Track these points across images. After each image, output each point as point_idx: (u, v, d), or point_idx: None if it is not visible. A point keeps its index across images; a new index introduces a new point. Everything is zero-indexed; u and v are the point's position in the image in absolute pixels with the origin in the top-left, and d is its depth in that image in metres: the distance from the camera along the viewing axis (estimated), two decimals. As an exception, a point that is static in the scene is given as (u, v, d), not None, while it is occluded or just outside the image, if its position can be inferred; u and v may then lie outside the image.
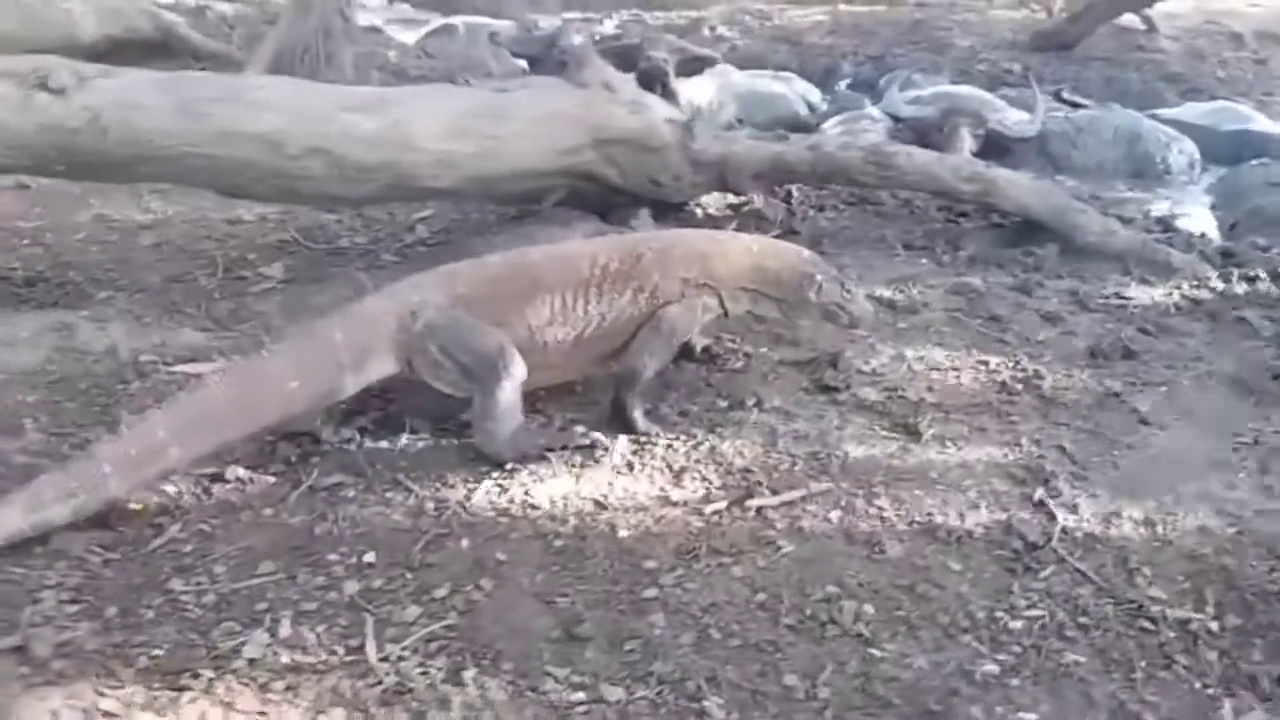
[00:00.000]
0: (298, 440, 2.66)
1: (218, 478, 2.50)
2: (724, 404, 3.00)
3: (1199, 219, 6.95)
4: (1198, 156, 8.18)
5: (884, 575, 2.25)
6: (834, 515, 2.48)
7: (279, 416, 2.51)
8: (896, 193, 4.86)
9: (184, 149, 3.08)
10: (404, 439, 2.73)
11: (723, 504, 2.49)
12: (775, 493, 2.54)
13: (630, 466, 2.64)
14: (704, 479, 2.61)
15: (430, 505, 2.44)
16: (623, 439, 2.75)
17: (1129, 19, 12.99)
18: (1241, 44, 13.62)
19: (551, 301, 2.77)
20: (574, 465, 2.63)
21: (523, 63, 10.94)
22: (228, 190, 3.44)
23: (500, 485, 2.53)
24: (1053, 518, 2.50)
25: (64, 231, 4.23)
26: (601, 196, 4.27)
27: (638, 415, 2.82)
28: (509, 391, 2.60)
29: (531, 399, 2.75)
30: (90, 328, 3.29)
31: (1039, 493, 2.59)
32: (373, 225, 4.30)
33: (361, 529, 2.36)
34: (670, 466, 2.65)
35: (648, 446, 2.73)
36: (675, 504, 2.49)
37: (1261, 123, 8.73)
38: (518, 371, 2.63)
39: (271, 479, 2.54)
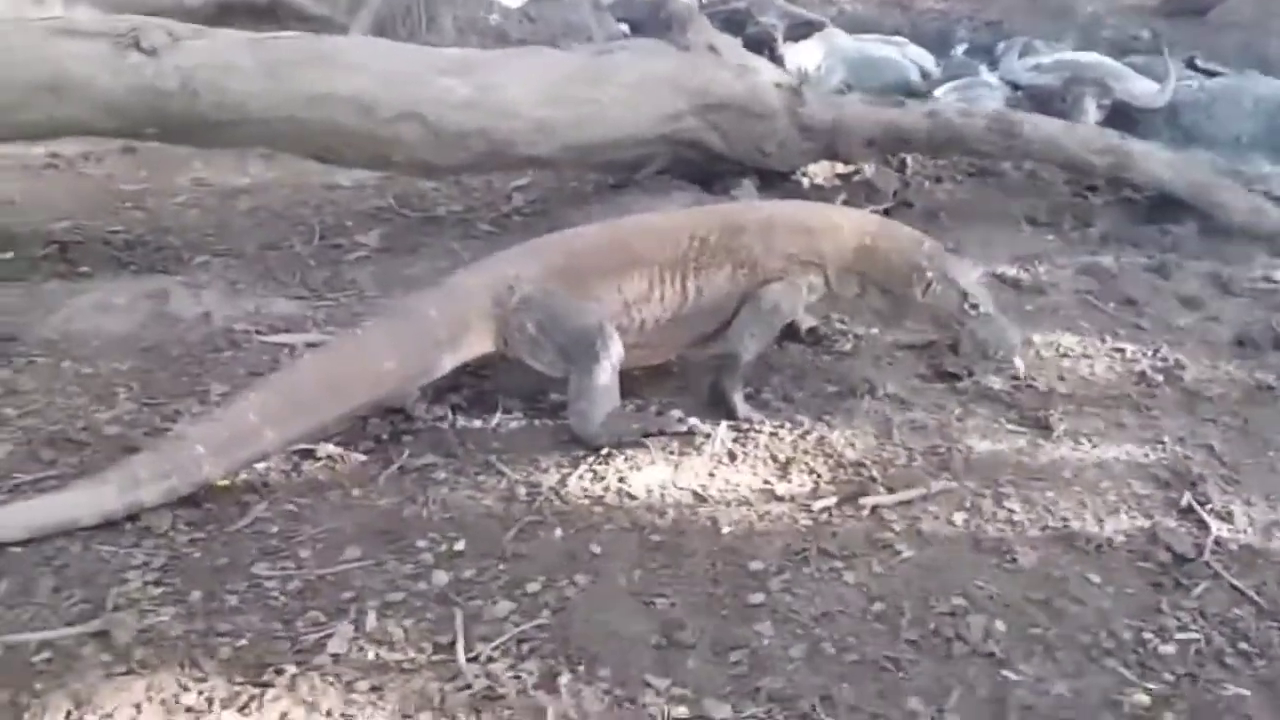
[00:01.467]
0: (389, 417, 2.56)
1: (308, 454, 2.42)
2: (833, 390, 2.81)
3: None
4: (1347, 129, 7.57)
5: (1016, 587, 2.04)
6: (958, 517, 2.27)
7: (373, 397, 2.42)
8: (1020, 164, 4.56)
9: (273, 112, 3.00)
10: (497, 418, 2.61)
11: (833, 500, 2.30)
12: (891, 490, 2.34)
13: (731, 456, 2.47)
14: (812, 471, 2.42)
15: (522, 490, 2.31)
16: (723, 426, 2.58)
17: (1267, -19, 12.14)
18: (1394, 5, 12.66)
19: (647, 276, 2.63)
20: (672, 452, 2.48)
21: (625, 27, 10.78)
22: (318, 155, 3.35)
23: (594, 471, 2.39)
24: (1204, 527, 2.25)
25: (164, 195, 4.23)
26: (703, 165, 4.08)
27: (738, 400, 2.65)
28: (607, 372, 2.47)
29: (627, 380, 2.60)
30: (185, 294, 3.24)
31: (1186, 498, 2.34)
32: (470, 193, 4.20)
33: (451, 513, 2.24)
34: (775, 457, 2.47)
35: (750, 434, 2.56)
36: (781, 499, 2.31)
37: None
38: (616, 351, 2.49)
39: (362, 457, 2.44)
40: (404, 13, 6.22)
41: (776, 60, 7.75)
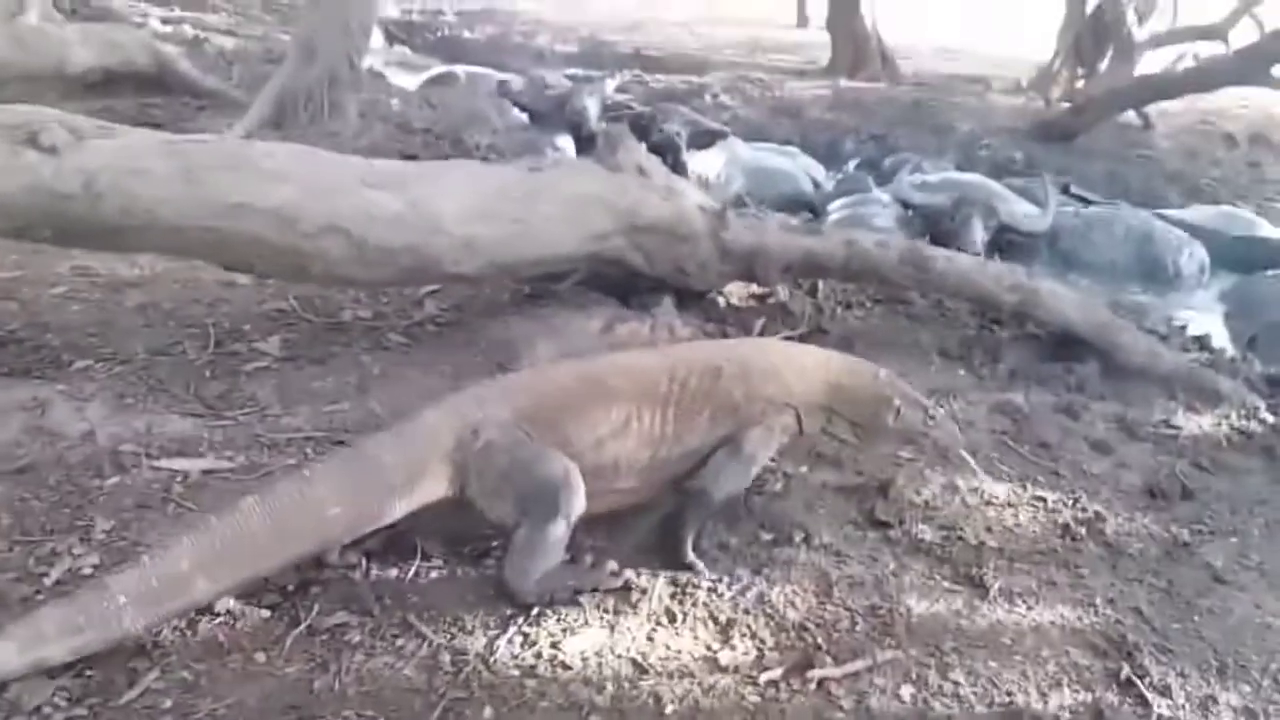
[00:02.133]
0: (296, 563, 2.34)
1: (206, 609, 2.18)
2: (768, 537, 2.72)
3: (1213, 330, 6.84)
4: (1207, 261, 8.10)
5: (972, 779, 1.96)
6: (905, 692, 2.19)
7: (317, 545, 2.27)
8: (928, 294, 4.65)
9: (186, 221, 2.78)
10: (415, 566, 2.42)
11: (779, 672, 2.19)
12: (838, 660, 2.25)
13: (670, 616, 2.35)
14: (755, 636, 2.31)
15: (447, 658, 2.13)
16: (661, 580, 2.45)
17: (1127, 115, 13.09)
18: (1234, 145, 13.75)
19: (625, 419, 2.53)
20: (606, 611, 2.34)
21: (524, 117, 10.79)
22: (233, 266, 3.14)
23: (525, 634, 2.23)
24: (1145, 704, 2.23)
25: (42, 285, 3.90)
26: (624, 279, 4.02)
27: (688, 544, 2.55)
28: (560, 529, 2.33)
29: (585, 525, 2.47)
30: (66, 405, 2.96)
31: (1125, 670, 2.32)
32: (378, 298, 4.01)
33: (368, 686, 2.04)
34: (715, 618, 2.36)
35: (689, 590, 2.44)
36: (725, 669, 2.19)
37: (1267, 229, 8.67)
38: (577, 507, 2.36)
39: (265, 613, 2.22)
40: (306, 97, 6.03)
41: (679, 168, 7.86)
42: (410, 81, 13.31)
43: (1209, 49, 13.95)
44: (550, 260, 3.49)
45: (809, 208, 8.58)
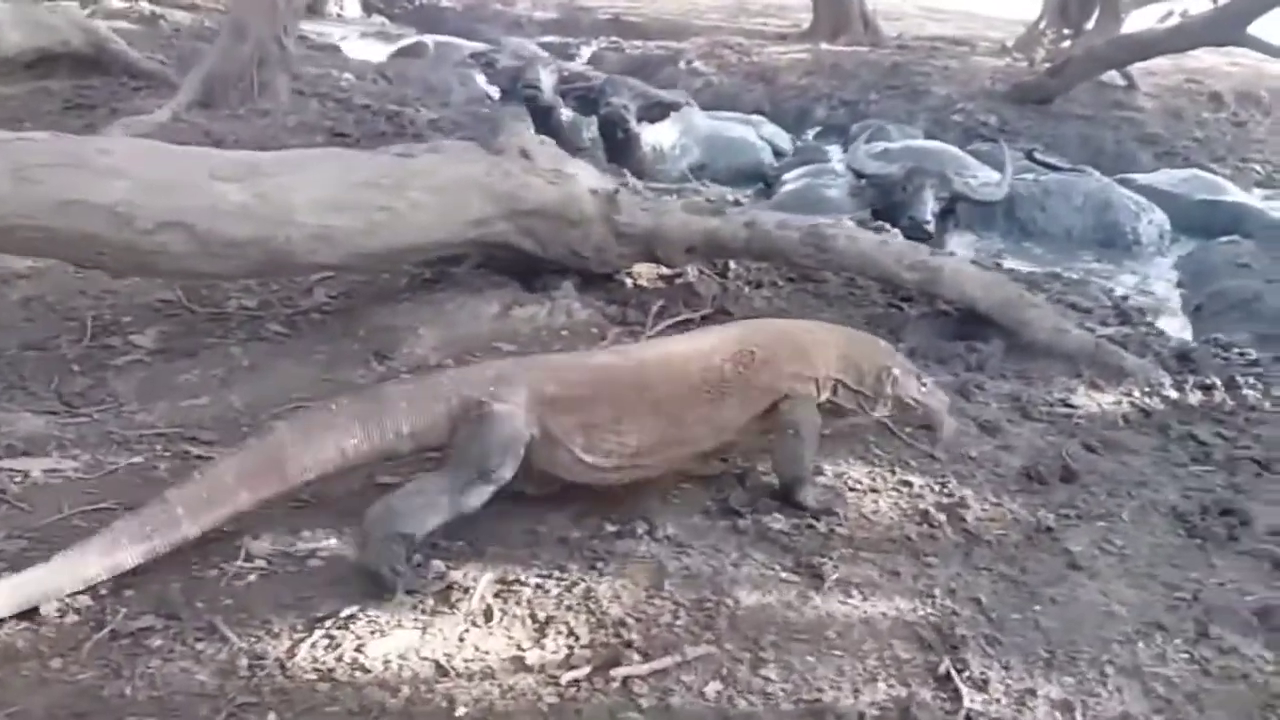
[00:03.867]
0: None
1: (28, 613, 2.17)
2: (611, 529, 2.70)
3: (1164, 298, 6.77)
4: (1168, 227, 8.00)
5: (751, 780, 1.95)
6: (711, 689, 2.17)
7: (339, 468, 2.54)
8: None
9: (19, 219, 2.75)
10: (235, 567, 2.41)
11: (585, 671, 2.18)
12: (647, 657, 2.23)
13: (488, 615, 2.33)
14: (570, 633, 2.29)
15: (244, 662, 2.12)
16: (487, 578, 2.43)
17: (1109, 75, 12.88)
18: (1221, 104, 13.54)
19: (657, 407, 2.72)
20: (424, 611, 2.32)
21: (495, 90, 10.71)
22: (75, 262, 3.12)
23: (331, 636, 2.21)
24: (958, 697, 2.21)
25: (-71, 278, 3.90)
26: (524, 262, 3.99)
27: (813, 501, 2.85)
28: (445, 506, 2.48)
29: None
30: (-79, 405, 2.96)
31: (945, 664, 2.30)
32: (268, 285, 3.98)
33: (159, 691, 2.03)
34: (535, 616, 2.34)
35: (514, 588, 2.42)
36: (530, 669, 2.17)
37: (1234, 193, 8.55)
38: (467, 507, 2.52)
39: (75, 617, 2.21)
40: (236, 78, 5.98)
41: (630, 140, 7.79)
42: (383, 52, 13.25)
43: (1198, 6, 13.64)
44: (425, 248, 3.46)
45: (765, 180, 8.51)
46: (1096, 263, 7.39)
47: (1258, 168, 11.04)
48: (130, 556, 2.27)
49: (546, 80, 8.36)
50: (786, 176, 8.15)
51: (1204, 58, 15.36)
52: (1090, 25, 14.81)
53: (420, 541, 2.46)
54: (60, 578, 2.21)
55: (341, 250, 3.21)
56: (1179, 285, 6.84)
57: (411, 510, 2.44)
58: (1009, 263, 6.64)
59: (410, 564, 2.43)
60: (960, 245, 7.32)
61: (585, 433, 2.65)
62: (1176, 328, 5.86)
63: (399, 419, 2.55)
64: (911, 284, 4.06)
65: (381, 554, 2.37)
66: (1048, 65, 12.69)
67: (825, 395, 2.94)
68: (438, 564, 2.46)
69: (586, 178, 3.85)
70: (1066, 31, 15.13)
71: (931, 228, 7.04)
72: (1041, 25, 15.56)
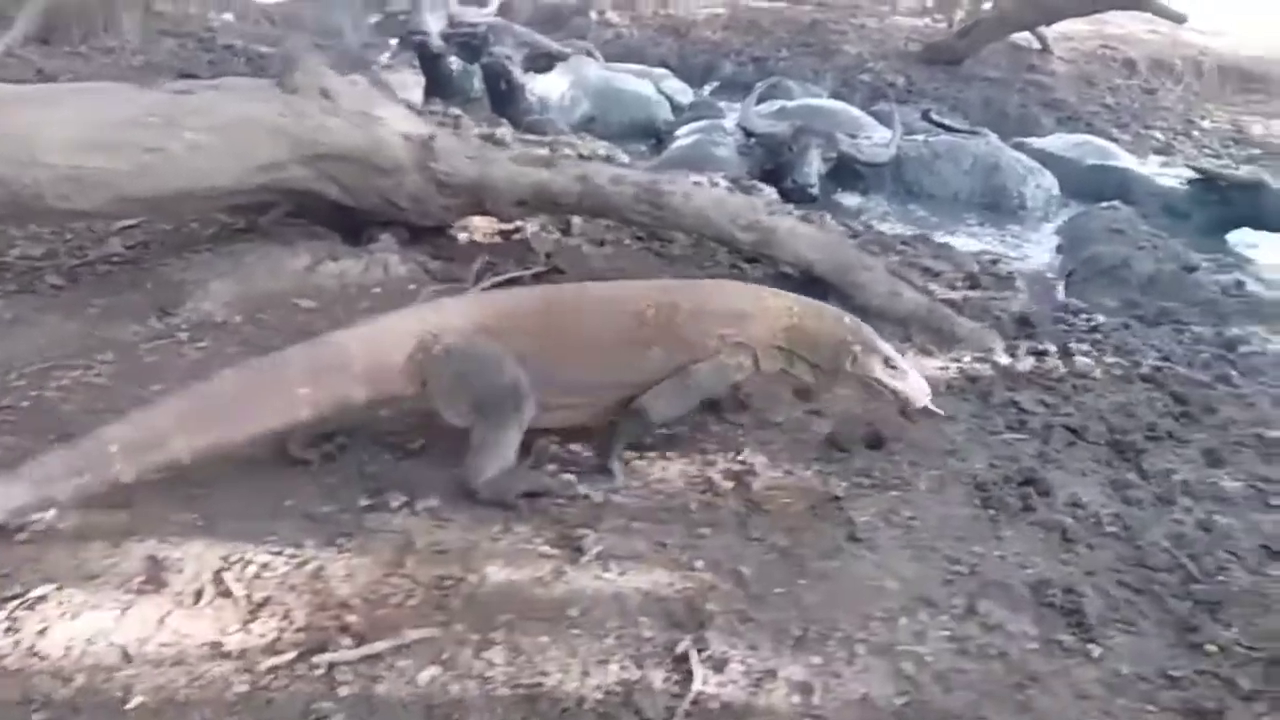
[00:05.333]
0: None
1: None
2: (366, 502, 2.55)
3: (1040, 263, 6.75)
4: (1056, 191, 7.99)
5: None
6: (426, 675, 2.04)
7: (284, 422, 2.48)
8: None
9: None
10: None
11: (290, 656, 2.03)
12: (363, 640, 2.09)
13: (198, 596, 2.17)
14: (286, 616, 2.14)
15: (-93, 647, 1.94)
16: (214, 556, 2.27)
17: (1025, 38, 12.86)
18: (1134, 71, 13.62)
19: (583, 345, 2.74)
20: (130, 591, 2.15)
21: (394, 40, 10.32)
22: None
23: (13, 619, 2.04)
24: (690, 680, 2.10)
25: None
26: (342, 213, 3.78)
27: (614, 456, 2.78)
28: (513, 432, 2.57)
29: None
30: None
31: (685, 643, 2.19)
32: (63, 233, 3.73)
33: None
34: (250, 597, 2.18)
35: (237, 567, 2.26)
36: (228, 655, 2.02)
37: (1123, 159, 8.56)
38: (527, 414, 2.60)
39: None
40: (78, 11, 5.62)
41: (513, 91, 7.54)
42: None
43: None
44: (207, 193, 3.24)
45: (657, 137, 8.33)
46: (979, 226, 7.36)
47: (1159, 135, 11.12)
48: (61, 491, 2.26)
49: (434, 26, 8.07)
50: (679, 133, 7.98)
51: (1125, 24, 15.44)
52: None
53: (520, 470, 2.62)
54: None
55: (101, 195, 2.98)
56: (1058, 250, 6.82)
57: (487, 463, 2.54)
58: (887, 225, 6.58)
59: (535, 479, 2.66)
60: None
61: (522, 366, 2.64)
62: (1045, 293, 5.83)
63: (351, 364, 2.52)
64: (747, 244, 3.94)
65: (494, 495, 2.54)
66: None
67: (767, 364, 2.91)
68: (570, 476, 2.70)
69: (399, 121, 3.64)
70: (988, -7, 15.06)
71: (816, 190, 6.96)
72: (962, -15, 15.48)
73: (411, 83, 8.86)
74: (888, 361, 2.97)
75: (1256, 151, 11.05)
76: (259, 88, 3.36)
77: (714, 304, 2.91)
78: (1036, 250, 7.03)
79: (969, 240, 6.82)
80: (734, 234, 3.90)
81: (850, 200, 7.53)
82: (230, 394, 2.41)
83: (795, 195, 6.63)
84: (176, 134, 3.06)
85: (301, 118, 3.33)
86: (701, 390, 2.86)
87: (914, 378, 3.02)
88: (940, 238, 6.09)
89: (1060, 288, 6.22)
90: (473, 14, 7.97)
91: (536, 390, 2.64)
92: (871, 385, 2.98)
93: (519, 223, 4.29)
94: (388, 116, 3.59)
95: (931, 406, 3.08)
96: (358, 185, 3.55)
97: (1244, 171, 7.75)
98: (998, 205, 7.69)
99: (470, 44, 7.62)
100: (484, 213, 3.99)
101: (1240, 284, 5.90)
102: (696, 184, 4.18)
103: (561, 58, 7.69)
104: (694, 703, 2.04)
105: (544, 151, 4.25)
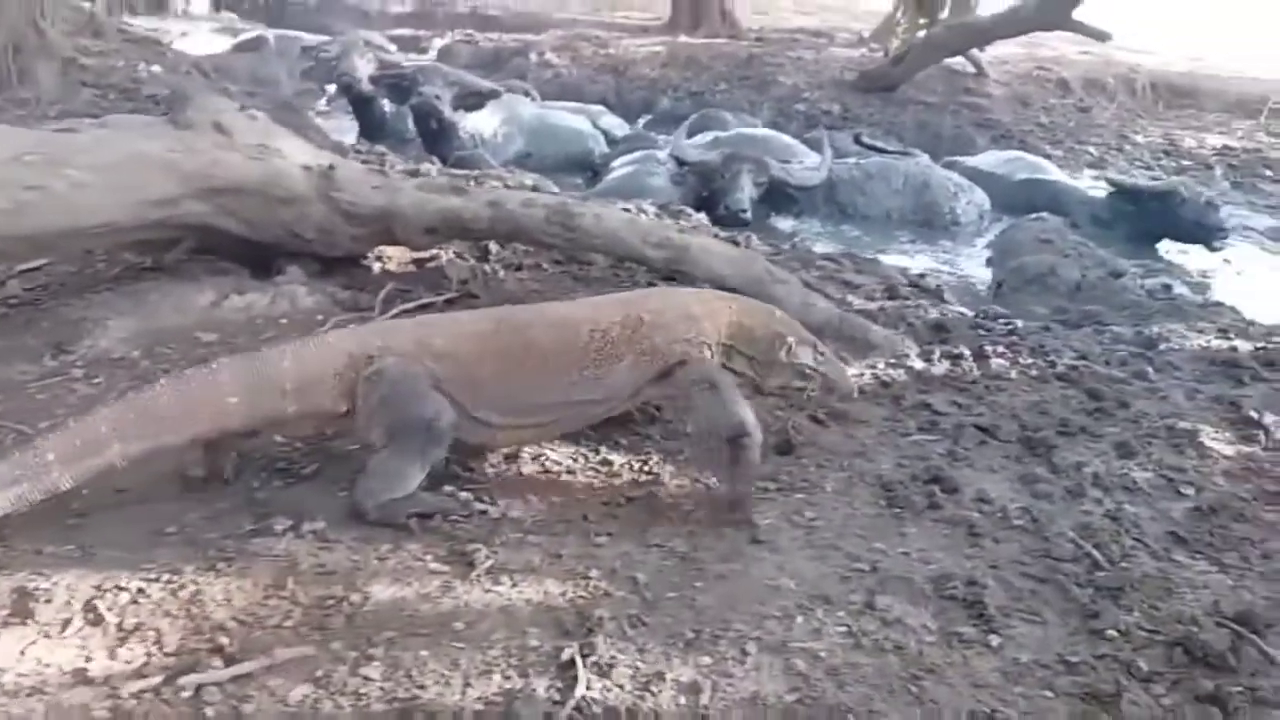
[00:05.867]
0: None
1: None
2: (251, 526, 2.49)
3: (969, 276, 6.82)
4: (988, 207, 8.10)
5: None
6: (298, 693, 1.98)
7: (215, 429, 2.52)
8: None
9: None
10: None
11: (157, 680, 1.97)
12: (234, 662, 2.03)
13: (66, 624, 2.10)
14: (157, 641, 2.08)
15: None
16: (86, 585, 2.19)
17: (960, 63, 13.11)
18: (1068, 91, 13.92)
19: (544, 365, 2.75)
20: (-5, 620, 2.08)
21: (317, 83, 10.36)
22: None
23: None
24: (573, 686, 2.05)
25: None
26: (248, 247, 3.74)
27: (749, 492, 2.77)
28: (415, 467, 2.55)
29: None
30: None
31: (571, 650, 2.14)
32: (-40, 278, 3.66)
33: None
34: (122, 624, 2.12)
35: (110, 594, 2.19)
36: (92, 681, 1.96)
37: (1054, 173, 8.71)
38: (439, 451, 2.60)
39: None
40: (-15, 63, 5.58)
41: (444, 129, 7.55)
42: (224, 46, 12.81)
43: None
44: (94, 231, 3.18)
45: (591, 169, 8.38)
46: (911, 243, 7.43)
47: (1092, 150, 11.35)
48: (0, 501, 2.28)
49: (363, 70, 8.10)
50: (614, 164, 8.03)
51: (1057, 46, 15.84)
52: (944, 14, 15.04)
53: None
54: None
55: (-18, 234, 2.94)
56: (988, 263, 6.90)
57: (386, 486, 2.53)
58: (820, 246, 6.62)
59: (428, 500, 2.61)
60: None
61: (472, 388, 2.66)
62: (973, 303, 5.88)
63: (282, 377, 2.53)
64: (659, 262, 3.94)
65: (386, 515, 2.52)
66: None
67: (718, 362, 2.97)
68: (465, 494, 2.67)
69: (299, 154, 3.61)
70: (922, 21, 15.35)
71: (749, 214, 7.02)
72: (897, 15, 15.80)
73: (347, 127, 8.89)
74: (817, 349, 3.09)
75: (1187, 163, 11.31)
76: (149, 124, 3.35)
77: (671, 310, 2.95)
78: (969, 264, 7.10)
79: (900, 258, 6.87)
80: (646, 252, 3.91)
81: (784, 224, 7.59)
82: (163, 402, 2.44)
83: (729, 220, 6.68)
84: (58, 172, 3.01)
85: (193, 153, 3.30)
86: (730, 382, 2.87)
87: (835, 363, 3.18)
88: (871, 255, 6.15)
89: (990, 298, 6.30)
90: (401, 56, 8.01)
91: (496, 413, 2.69)
92: (805, 372, 3.07)
93: (436, 251, 4.27)
94: (287, 149, 3.57)
95: (851, 382, 3.27)
96: (260, 218, 3.52)
97: (1163, 182, 7.88)
98: (930, 222, 7.78)
99: (400, 85, 7.64)
100: (395, 242, 3.97)
101: (1167, 287, 6.00)
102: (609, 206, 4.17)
103: (493, 95, 7.71)
104: (577, 709, 2.00)
105: (451, 179, 4.23)
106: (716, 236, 4.31)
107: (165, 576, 2.26)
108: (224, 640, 2.09)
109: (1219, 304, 5.57)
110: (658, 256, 3.90)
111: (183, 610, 2.17)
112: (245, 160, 3.40)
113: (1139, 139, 12.09)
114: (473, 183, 5.14)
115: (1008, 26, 10.88)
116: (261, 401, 2.52)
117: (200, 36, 14.74)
